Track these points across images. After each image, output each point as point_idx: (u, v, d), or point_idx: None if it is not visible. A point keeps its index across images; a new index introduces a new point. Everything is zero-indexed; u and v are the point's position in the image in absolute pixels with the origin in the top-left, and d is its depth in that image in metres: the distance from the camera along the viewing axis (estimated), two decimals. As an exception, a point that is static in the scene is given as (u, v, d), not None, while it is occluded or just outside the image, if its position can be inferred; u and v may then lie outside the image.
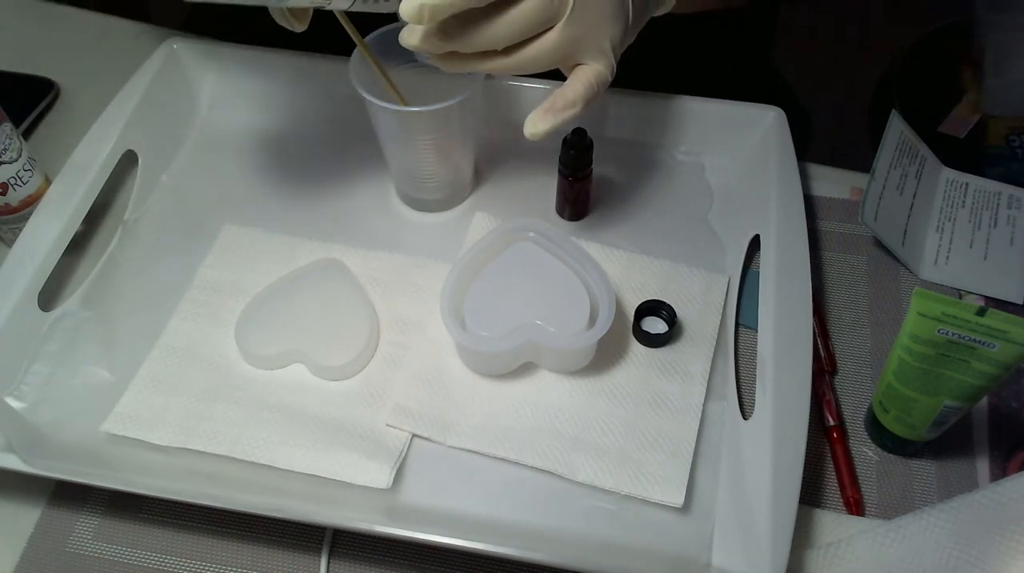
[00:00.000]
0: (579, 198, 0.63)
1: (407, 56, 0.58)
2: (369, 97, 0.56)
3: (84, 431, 0.54)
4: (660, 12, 0.55)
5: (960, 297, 0.61)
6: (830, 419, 0.56)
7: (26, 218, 0.60)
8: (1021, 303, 0.61)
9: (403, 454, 0.53)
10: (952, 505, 0.47)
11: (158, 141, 0.68)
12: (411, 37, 0.46)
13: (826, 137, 0.97)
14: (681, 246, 0.62)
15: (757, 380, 0.52)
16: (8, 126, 0.61)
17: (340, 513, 0.49)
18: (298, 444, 0.53)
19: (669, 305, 0.57)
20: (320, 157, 0.69)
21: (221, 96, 0.71)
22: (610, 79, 0.50)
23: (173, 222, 0.65)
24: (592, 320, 0.53)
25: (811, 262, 0.56)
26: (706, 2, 0.60)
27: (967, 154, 0.76)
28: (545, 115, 0.48)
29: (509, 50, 0.48)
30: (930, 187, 0.66)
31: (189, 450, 0.53)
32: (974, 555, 0.46)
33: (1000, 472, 0.54)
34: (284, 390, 0.56)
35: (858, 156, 0.75)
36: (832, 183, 0.68)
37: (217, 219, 0.64)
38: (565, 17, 0.47)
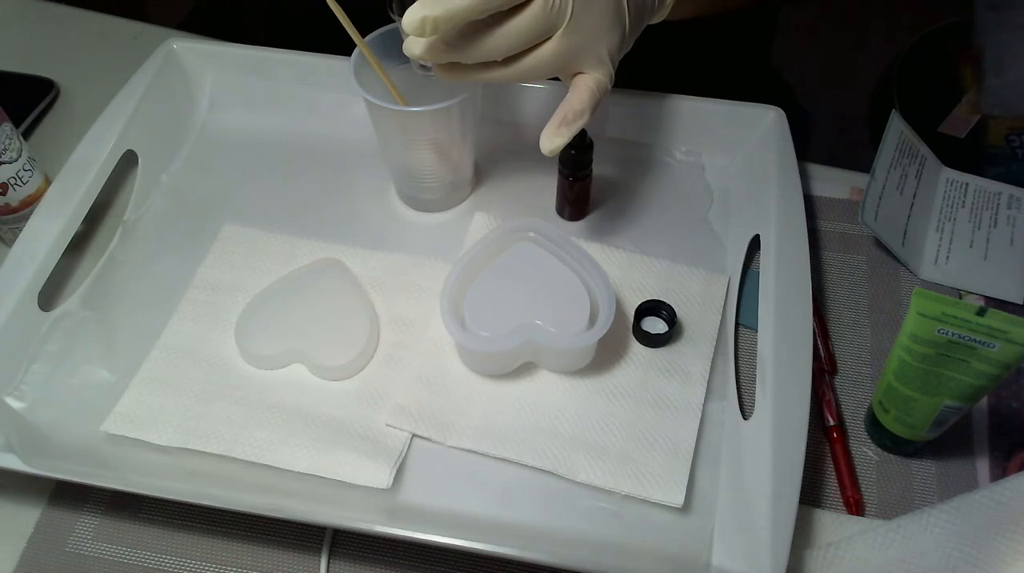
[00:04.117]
0: (579, 198, 0.63)
1: (407, 56, 0.58)
2: (369, 97, 0.56)
3: (84, 431, 0.54)
4: (656, 20, 0.56)
5: (960, 297, 0.61)
6: (830, 419, 0.56)
7: (26, 218, 0.60)
8: (1021, 303, 0.61)
9: (403, 454, 0.53)
10: (952, 505, 0.47)
11: (158, 141, 0.68)
12: (414, 47, 0.48)
13: (826, 137, 0.97)
14: (681, 246, 0.62)
15: (757, 380, 0.52)
16: (8, 126, 0.61)
17: (340, 513, 0.49)
18: (298, 444, 0.53)
19: (669, 305, 0.57)
20: (320, 157, 0.69)
21: (221, 96, 0.71)
22: (609, 87, 0.51)
23: (173, 222, 0.65)
24: (592, 320, 0.53)
25: (811, 262, 0.56)
26: (700, 10, 0.61)
27: (967, 154, 0.76)
28: (559, 129, 0.49)
29: (509, 60, 0.49)
30: (930, 187, 0.66)
31: (189, 450, 0.53)
32: (974, 555, 0.46)
33: (1000, 472, 0.54)
34: (284, 390, 0.56)
35: (858, 156, 0.75)
36: (832, 183, 0.68)
37: (217, 219, 0.64)
38: (563, 27, 0.48)
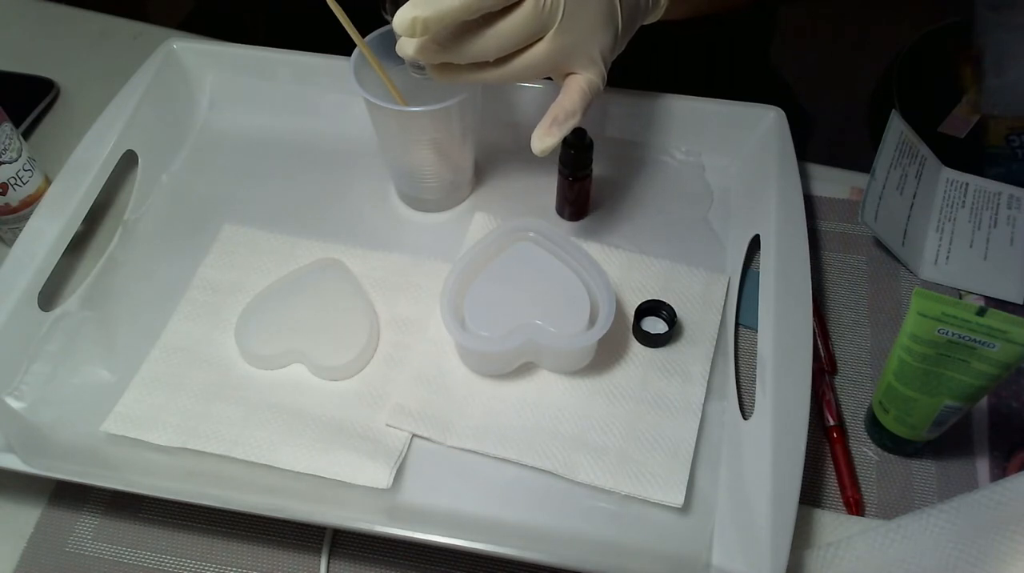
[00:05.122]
0: (579, 198, 0.63)
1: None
2: (369, 97, 0.56)
3: (84, 431, 0.54)
4: (650, 20, 0.56)
5: (960, 297, 0.61)
6: (830, 419, 0.56)
7: (26, 218, 0.60)
8: (1021, 303, 0.61)
9: (403, 454, 0.53)
10: (952, 505, 0.47)
11: (158, 141, 0.68)
12: (407, 47, 0.48)
13: (826, 137, 0.97)
14: (681, 246, 0.62)
15: (757, 380, 0.52)
16: (8, 126, 0.61)
17: (340, 513, 0.49)
18: (298, 444, 0.53)
19: (669, 305, 0.57)
20: (320, 157, 0.69)
21: (221, 96, 0.71)
22: (601, 87, 0.51)
23: (173, 222, 0.65)
24: (592, 320, 0.53)
25: (811, 262, 0.56)
26: (696, 10, 0.61)
27: (967, 154, 0.76)
28: (550, 129, 0.50)
29: (501, 60, 0.49)
30: (930, 187, 0.66)
31: (189, 450, 0.53)
32: (974, 555, 0.46)
33: (1000, 472, 0.54)
34: (284, 390, 0.56)
35: (858, 156, 0.75)
36: (832, 183, 0.68)
37: (217, 219, 0.64)
38: (555, 27, 0.48)
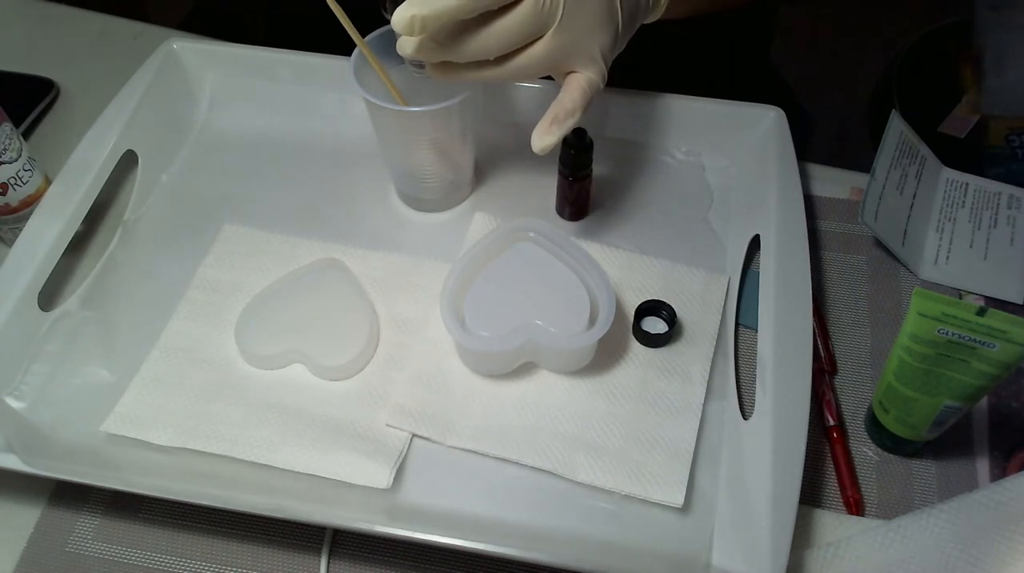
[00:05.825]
0: (579, 198, 0.63)
1: (404, 56, 0.59)
2: (369, 97, 0.56)
3: (84, 431, 0.54)
4: (650, 20, 0.56)
5: (960, 297, 0.61)
6: (830, 419, 0.56)
7: (26, 218, 0.60)
8: (1021, 303, 0.61)
9: (403, 454, 0.53)
10: (952, 505, 0.47)
11: (158, 141, 0.68)
12: (406, 45, 0.48)
13: (826, 137, 0.97)
14: (681, 246, 0.62)
15: (757, 380, 0.52)
16: (8, 126, 0.61)
17: (340, 513, 0.49)
18: (298, 444, 0.53)
19: (669, 305, 0.57)
20: (320, 157, 0.69)
21: (221, 96, 0.71)
22: (602, 86, 0.51)
23: (173, 222, 0.65)
24: (592, 320, 0.53)
25: (811, 262, 0.56)
26: (697, 9, 0.61)
27: (967, 154, 0.76)
28: (550, 128, 0.50)
29: (501, 59, 0.49)
30: (930, 187, 0.66)
31: (189, 450, 0.53)
32: (974, 555, 0.46)
33: (1000, 472, 0.54)
34: (284, 390, 0.56)
35: (858, 156, 0.75)
36: (832, 183, 0.68)
37: (217, 219, 0.64)
38: (554, 26, 0.48)
